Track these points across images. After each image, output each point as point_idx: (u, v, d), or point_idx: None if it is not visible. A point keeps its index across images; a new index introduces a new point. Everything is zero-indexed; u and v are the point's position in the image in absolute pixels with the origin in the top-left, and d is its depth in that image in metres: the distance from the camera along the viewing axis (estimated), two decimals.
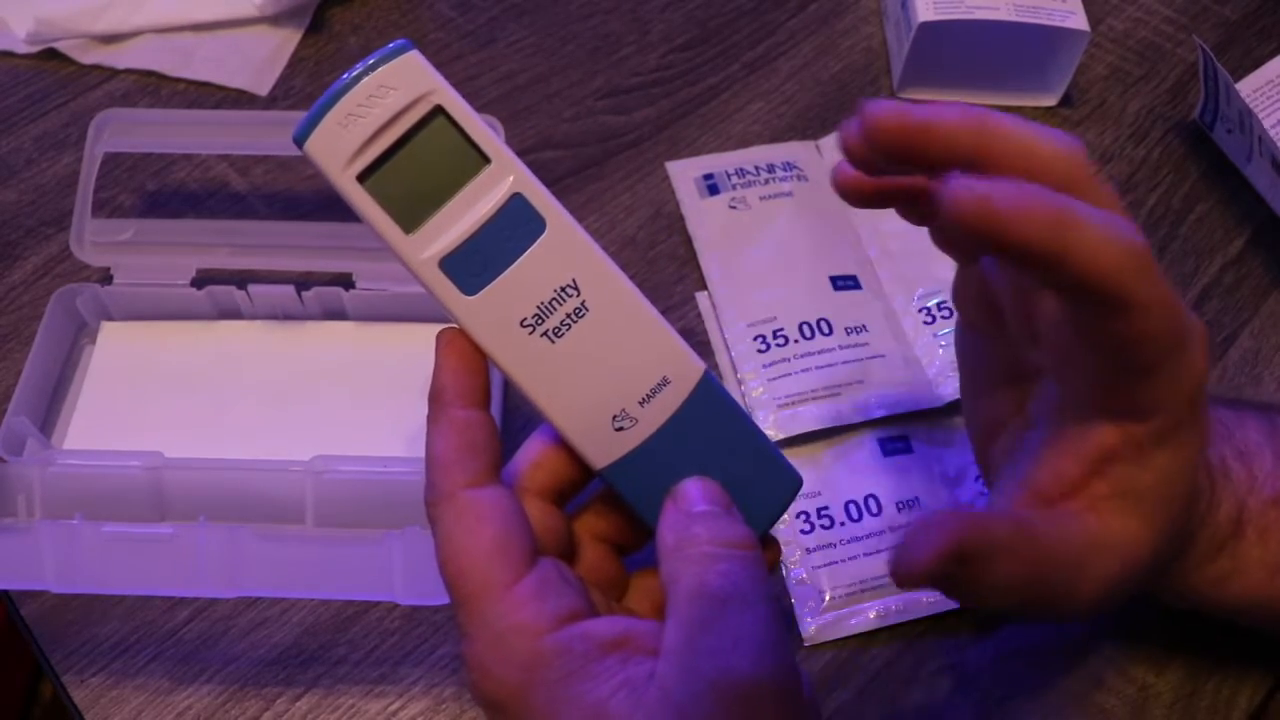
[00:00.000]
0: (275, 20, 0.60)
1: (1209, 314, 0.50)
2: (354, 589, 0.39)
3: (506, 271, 0.29)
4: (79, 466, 0.41)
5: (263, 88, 0.57)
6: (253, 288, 0.47)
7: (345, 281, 0.47)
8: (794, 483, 0.32)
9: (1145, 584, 0.32)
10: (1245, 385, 0.48)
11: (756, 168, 0.53)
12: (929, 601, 0.41)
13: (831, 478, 0.44)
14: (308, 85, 0.58)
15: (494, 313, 0.29)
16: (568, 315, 0.29)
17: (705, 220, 0.51)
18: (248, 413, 0.46)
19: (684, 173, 0.54)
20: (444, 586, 0.29)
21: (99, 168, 0.47)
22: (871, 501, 0.43)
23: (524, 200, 0.29)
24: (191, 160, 0.54)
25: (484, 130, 0.29)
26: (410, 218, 0.29)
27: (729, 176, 0.53)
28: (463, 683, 0.40)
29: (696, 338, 0.48)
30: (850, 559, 0.42)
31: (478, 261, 0.29)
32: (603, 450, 0.30)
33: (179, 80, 0.58)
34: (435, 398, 0.30)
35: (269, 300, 0.47)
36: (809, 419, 0.44)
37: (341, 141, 0.28)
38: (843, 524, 0.43)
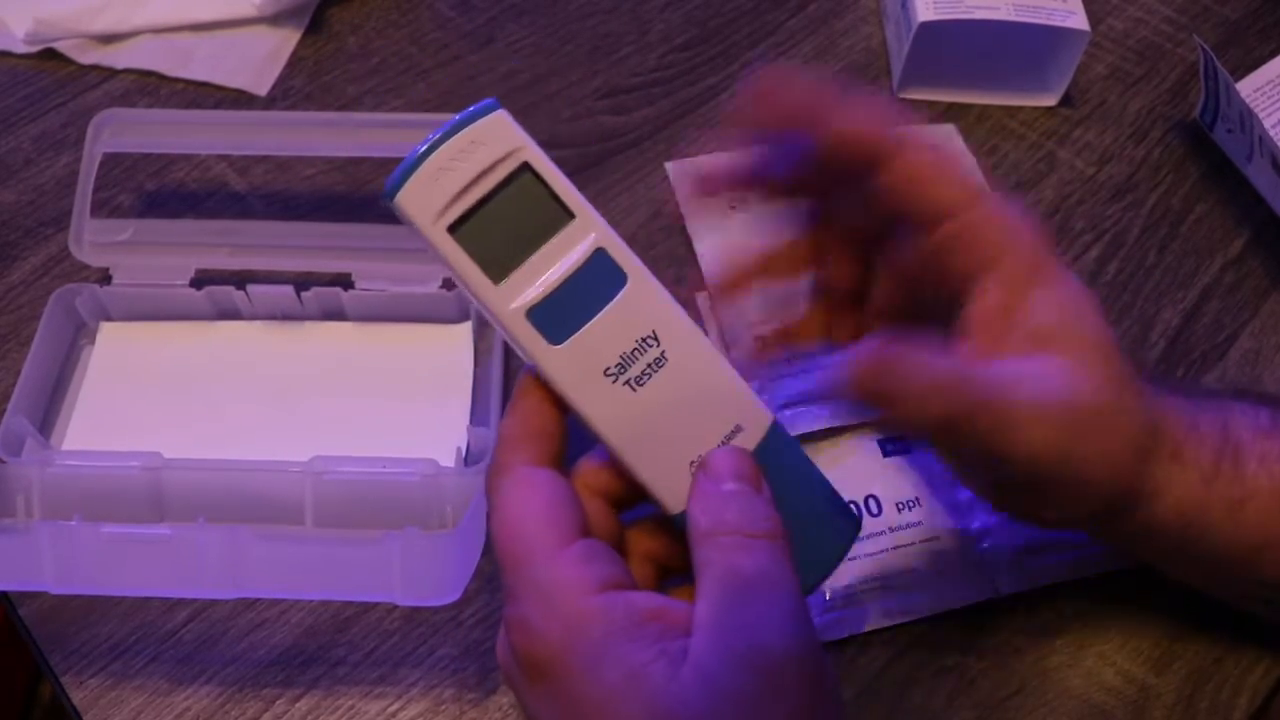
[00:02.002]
0: (274, 20, 0.60)
1: (1209, 314, 0.50)
2: (353, 590, 0.39)
3: (591, 322, 0.30)
4: (78, 467, 0.41)
5: (262, 88, 0.57)
6: (252, 288, 0.47)
7: (344, 282, 0.47)
8: (854, 525, 0.34)
9: (1109, 469, 0.33)
10: (1245, 385, 0.48)
11: None
12: (929, 602, 0.41)
13: (831, 478, 0.44)
14: (307, 85, 0.58)
15: (579, 361, 0.30)
16: (649, 365, 0.31)
17: (705, 220, 0.51)
18: (247, 413, 0.45)
19: (683, 173, 0.54)
20: (497, 556, 0.30)
21: (98, 168, 0.47)
22: (871, 502, 0.43)
23: (606, 255, 0.30)
24: (190, 160, 0.54)
25: (568, 186, 0.30)
26: (498, 269, 0.30)
27: None
28: (462, 684, 0.40)
29: None
30: (850, 559, 0.42)
31: (563, 312, 0.30)
32: (681, 495, 0.31)
33: (178, 80, 0.58)
34: (516, 392, 0.31)
35: (268, 300, 0.47)
36: (809, 420, 0.44)
37: (432, 195, 0.29)
38: None
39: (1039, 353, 0.32)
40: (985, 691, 0.40)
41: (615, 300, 0.30)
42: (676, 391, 0.31)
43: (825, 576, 0.33)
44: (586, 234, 0.30)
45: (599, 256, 0.30)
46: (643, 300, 0.31)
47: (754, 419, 0.32)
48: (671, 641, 0.28)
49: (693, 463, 0.31)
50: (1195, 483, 0.34)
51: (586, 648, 0.27)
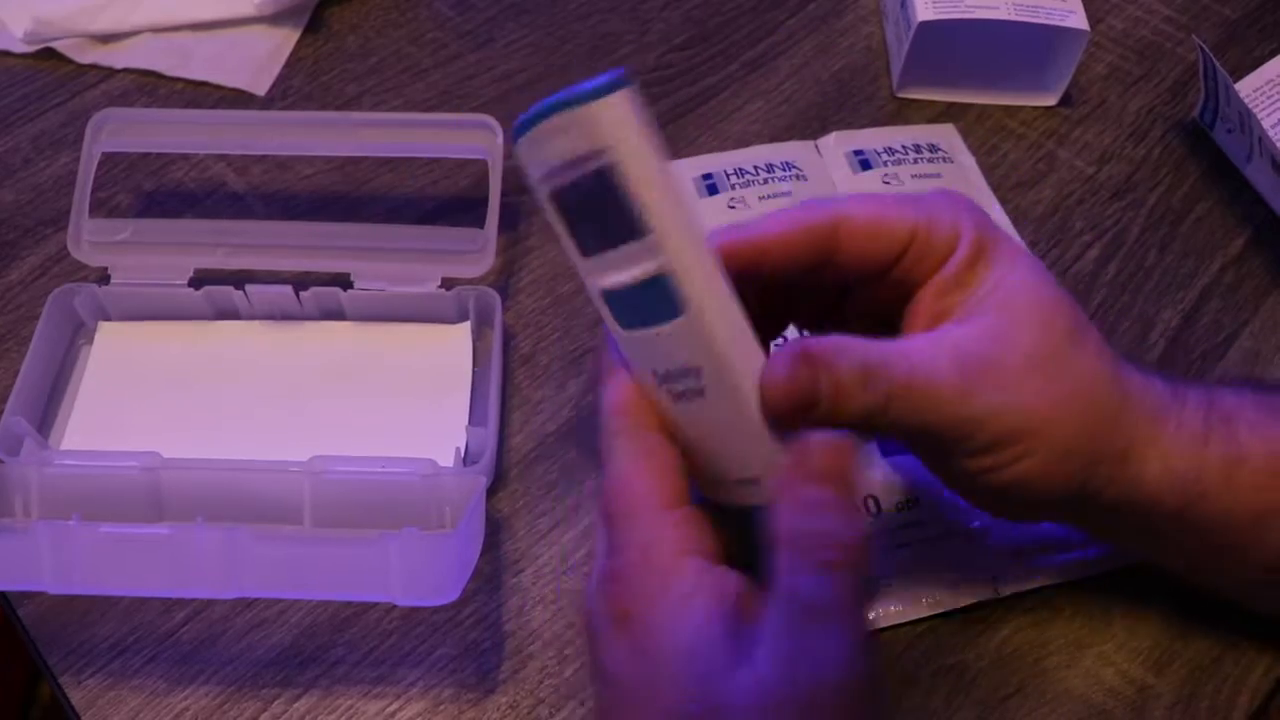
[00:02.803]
0: (273, 20, 0.60)
1: (1209, 314, 0.50)
2: (352, 590, 0.39)
3: (649, 329, 0.31)
4: (76, 467, 0.41)
5: (261, 87, 0.57)
6: (250, 288, 0.47)
7: (343, 282, 0.47)
8: None
9: (1074, 412, 0.32)
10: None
11: (756, 167, 0.53)
12: (928, 602, 0.41)
13: None
14: (306, 85, 0.58)
15: (639, 352, 0.32)
16: (688, 390, 0.31)
17: (705, 220, 0.51)
18: (245, 413, 0.45)
19: (683, 172, 0.53)
20: (603, 511, 0.31)
21: (97, 167, 0.47)
22: (871, 503, 0.43)
23: (666, 282, 0.29)
24: (189, 160, 0.54)
25: (655, 199, 0.28)
26: (586, 245, 0.30)
27: (728, 176, 0.52)
28: (461, 684, 0.40)
29: None
30: None
31: (629, 309, 0.31)
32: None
33: (177, 80, 0.58)
34: (605, 368, 0.33)
35: (267, 300, 0.47)
36: None
37: (543, 154, 0.29)
38: None
39: (967, 322, 0.33)
40: (985, 691, 0.40)
41: (670, 323, 0.30)
42: (709, 424, 0.31)
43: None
44: (654, 255, 0.29)
45: (659, 281, 0.29)
46: (696, 335, 0.30)
47: (774, 475, 0.31)
48: (743, 625, 0.28)
49: (725, 483, 0.32)
50: (1186, 442, 0.33)
51: (670, 602, 0.29)
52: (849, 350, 0.31)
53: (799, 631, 0.28)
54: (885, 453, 0.44)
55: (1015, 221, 0.52)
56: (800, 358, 0.30)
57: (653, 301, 0.30)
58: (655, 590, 0.29)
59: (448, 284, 0.47)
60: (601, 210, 0.29)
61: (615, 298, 0.30)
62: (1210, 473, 0.33)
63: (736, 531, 0.31)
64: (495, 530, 0.43)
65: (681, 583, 0.29)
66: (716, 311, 0.30)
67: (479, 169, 0.50)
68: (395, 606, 0.41)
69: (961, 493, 0.37)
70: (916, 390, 0.31)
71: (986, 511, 0.39)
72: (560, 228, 0.31)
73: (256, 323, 0.48)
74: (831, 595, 0.28)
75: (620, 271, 0.30)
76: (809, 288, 0.35)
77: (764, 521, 0.29)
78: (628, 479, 0.31)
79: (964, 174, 0.54)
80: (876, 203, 0.34)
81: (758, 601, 0.29)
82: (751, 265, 0.33)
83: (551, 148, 0.29)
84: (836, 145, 0.54)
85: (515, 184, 0.50)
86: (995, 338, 0.32)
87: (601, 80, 0.28)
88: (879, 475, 0.44)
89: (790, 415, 0.30)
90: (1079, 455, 0.33)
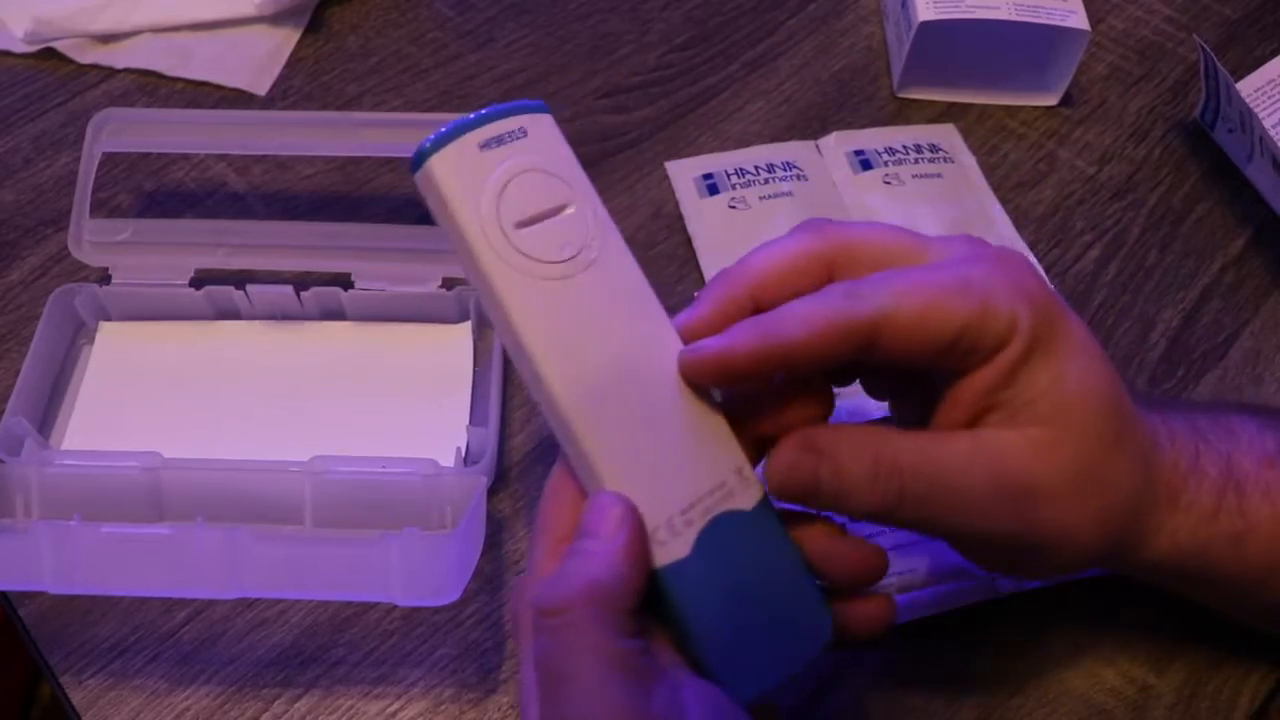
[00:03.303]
0: (274, 20, 0.60)
1: (1209, 314, 0.50)
2: (352, 590, 0.39)
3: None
4: (77, 467, 0.41)
5: (261, 87, 0.57)
6: (251, 288, 0.47)
7: (344, 282, 0.47)
8: (822, 633, 0.31)
9: (1107, 525, 0.32)
10: (1245, 385, 0.48)
11: (756, 167, 0.53)
12: (929, 602, 0.41)
13: None
14: (306, 85, 0.58)
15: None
16: None
17: (705, 220, 0.51)
18: (246, 413, 0.45)
19: (683, 172, 0.53)
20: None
21: (97, 167, 0.46)
22: None
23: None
24: (190, 160, 0.54)
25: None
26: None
27: (729, 176, 0.52)
28: (462, 684, 0.40)
29: None
30: None
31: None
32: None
33: (177, 80, 0.58)
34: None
35: (267, 300, 0.47)
36: None
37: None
38: (842, 525, 0.42)
39: (1013, 428, 0.30)
40: (985, 691, 0.40)
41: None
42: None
43: (774, 685, 0.30)
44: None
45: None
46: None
47: (743, 488, 0.30)
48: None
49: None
50: (1195, 524, 0.33)
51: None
52: (854, 437, 0.30)
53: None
54: None
55: (1015, 221, 0.52)
56: (803, 443, 0.30)
57: None
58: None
59: (448, 284, 0.47)
60: None
61: None
62: (1217, 546, 0.34)
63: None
64: (496, 530, 0.43)
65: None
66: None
67: None
68: (396, 607, 0.41)
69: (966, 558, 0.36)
70: (936, 496, 0.30)
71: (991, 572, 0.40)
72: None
73: (257, 323, 0.48)
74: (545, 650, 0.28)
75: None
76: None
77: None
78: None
79: (964, 174, 0.54)
80: (926, 292, 0.29)
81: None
82: (775, 369, 0.29)
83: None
84: (837, 145, 0.54)
85: None
86: (1040, 454, 0.30)
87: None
88: None
89: (790, 498, 0.30)
90: (1100, 554, 0.33)
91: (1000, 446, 0.30)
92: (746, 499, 0.30)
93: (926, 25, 0.54)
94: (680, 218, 0.52)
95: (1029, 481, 0.30)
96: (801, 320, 0.29)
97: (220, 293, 0.47)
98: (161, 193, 0.54)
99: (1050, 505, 0.30)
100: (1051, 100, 0.57)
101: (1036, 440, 0.30)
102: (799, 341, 0.29)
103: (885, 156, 0.53)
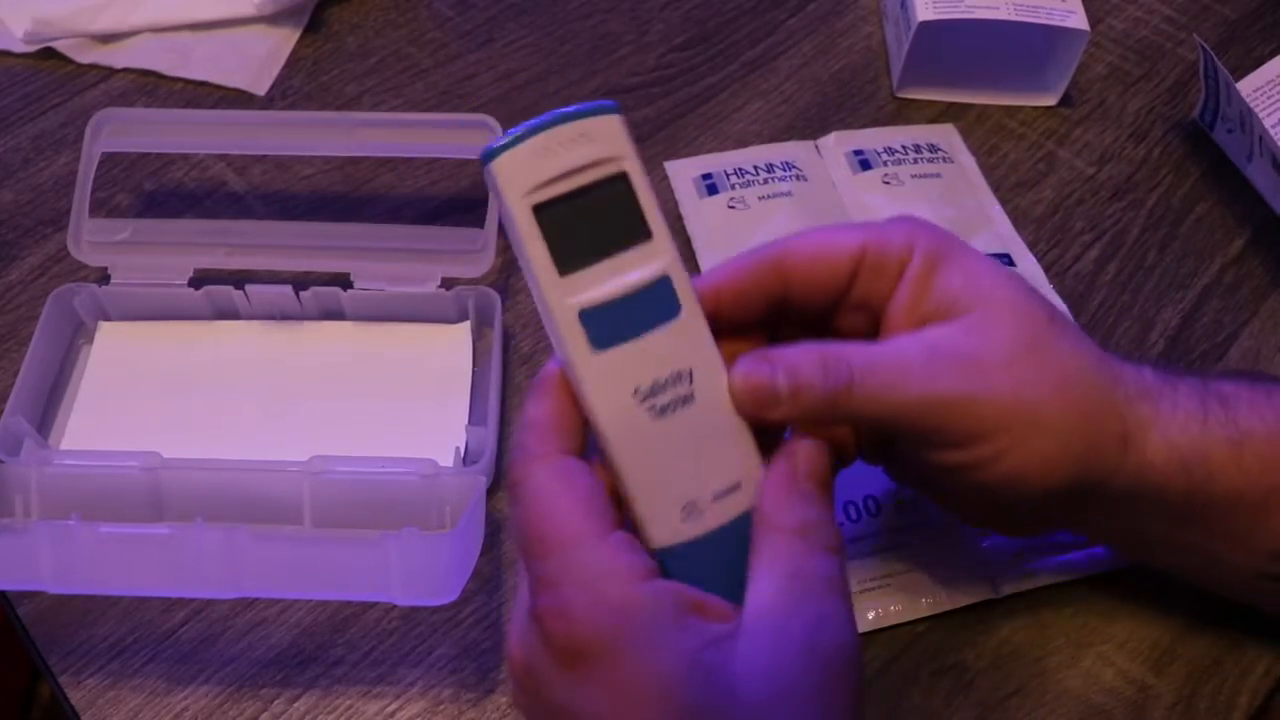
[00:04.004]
0: (273, 19, 0.60)
1: (1209, 314, 0.50)
2: (352, 589, 0.39)
3: (636, 339, 0.30)
4: (76, 467, 0.41)
5: (260, 87, 0.57)
6: (250, 288, 0.47)
7: (343, 281, 0.47)
8: None
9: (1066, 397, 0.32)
10: None
11: (755, 167, 0.53)
12: (928, 602, 0.41)
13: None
14: (306, 84, 0.58)
15: (614, 373, 0.30)
16: (676, 399, 0.31)
17: (704, 220, 0.51)
18: (245, 413, 0.45)
19: (683, 172, 0.53)
20: (524, 544, 0.30)
21: (96, 167, 0.47)
22: (870, 502, 0.43)
23: (670, 284, 0.31)
24: (189, 160, 0.54)
25: (655, 207, 0.31)
26: (568, 262, 0.30)
27: (728, 176, 0.52)
28: (460, 684, 0.40)
29: None
30: (850, 559, 0.42)
31: (614, 323, 0.30)
32: (664, 532, 0.31)
33: (177, 80, 0.58)
34: (537, 384, 0.31)
35: (267, 300, 0.47)
36: None
37: (529, 172, 0.29)
38: (841, 525, 0.42)
39: (946, 324, 0.32)
40: (985, 691, 0.40)
41: (664, 327, 0.30)
42: (693, 433, 0.31)
43: None
44: (659, 257, 0.30)
45: (663, 283, 0.30)
46: (689, 337, 0.31)
47: (753, 480, 0.32)
48: (718, 629, 0.28)
49: (684, 506, 0.31)
50: (1184, 421, 0.33)
51: (641, 634, 0.28)
52: (805, 346, 0.31)
53: (796, 604, 0.28)
54: None
55: (1015, 221, 0.52)
56: (757, 356, 0.31)
57: (653, 304, 0.30)
58: (615, 625, 0.28)
59: (448, 284, 0.47)
60: (609, 217, 0.30)
61: (599, 314, 0.30)
62: (1217, 452, 0.33)
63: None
64: (495, 530, 0.43)
65: (643, 614, 0.28)
66: (701, 311, 0.31)
67: (479, 169, 0.50)
68: (395, 606, 0.41)
69: (959, 508, 0.37)
70: (881, 372, 0.31)
71: (988, 526, 0.39)
72: (536, 247, 0.30)
73: (256, 323, 0.48)
74: (839, 573, 0.30)
75: (616, 280, 0.30)
76: (789, 332, 0.35)
77: (746, 526, 0.31)
78: (556, 508, 0.29)
79: (964, 174, 0.54)
80: (821, 230, 0.34)
81: (714, 600, 0.29)
82: (708, 316, 0.32)
83: (556, 159, 0.29)
84: (836, 145, 0.54)
85: None
86: (971, 332, 0.32)
87: (601, 103, 0.30)
88: (879, 475, 0.44)
89: (755, 411, 0.31)
90: (1074, 443, 0.32)
91: (938, 335, 0.32)
92: (756, 492, 0.32)
93: (926, 25, 0.54)
94: (680, 218, 0.52)
95: (971, 354, 0.32)
96: (721, 269, 0.33)
97: (219, 293, 0.47)
98: (161, 193, 0.54)
99: (1000, 371, 0.31)
100: (1051, 100, 0.57)
101: (969, 323, 0.32)
102: (720, 285, 0.33)
103: (884, 156, 0.53)
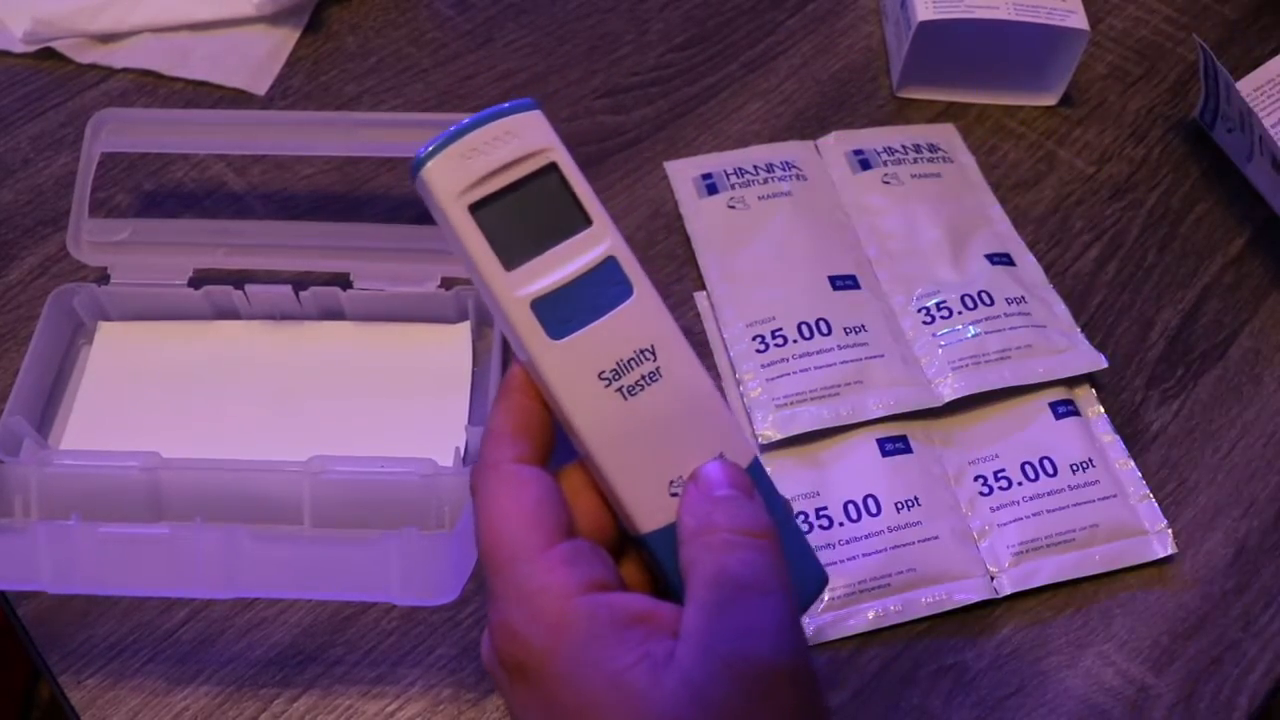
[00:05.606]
0: (273, 19, 0.60)
1: (1209, 314, 0.50)
2: (351, 590, 0.39)
3: (593, 324, 0.30)
4: (75, 467, 0.41)
5: (260, 87, 0.57)
6: (250, 288, 0.47)
7: (343, 281, 0.47)
8: (820, 581, 0.33)
9: None
10: (1245, 385, 0.48)
11: (755, 167, 0.53)
12: (928, 602, 0.41)
13: (830, 478, 0.44)
14: (305, 84, 0.58)
15: (575, 360, 0.30)
16: (643, 377, 0.30)
17: (704, 220, 0.51)
18: (245, 413, 0.45)
19: (682, 172, 0.54)
20: (480, 557, 0.29)
21: (96, 167, 0.46)
22: (870, 502, 0.43)
23: (617, 264, 0.31)
24: (189, 160, 0.54)
25: (589, 193, 0.31)
26: (511, 256, 0.30)
27: (727, 176, 0.52)
28: (460, 683, 0.40)
29: (695, 338, 0.48)
30: (849, 559, 0.42)
31: (567, 310, 0.30)
32: (649, 515, 0.31)
33: (176, 80, 0.58)
34: (500, 389, 0.31)
35: (266, 300, 0.47)
36: (807, 419, 0.44)
37: (459, 174, 0.29)
38: (841, 524, 0.42)
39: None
40: (985, 691, 0.40)
41: (620, 308, 0.30)
42: (665, 409, 0.31)
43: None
44: (601, 241, 0.30)
45: (610, 264, 0.30)
46: (646, 313, 0.31)
47: (736, 450, 0.31)
48: (658, 644, 0.27)
49: (671, 482, 0.31)
50: None
51: (569, 652, 0.27)
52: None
53: (716, 614, 0.27)
54: (886, 453, 0.44)
55: (1014, 221, 0.52)
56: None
57: (606, 285, 0.30)
58: (547, 643, 0.27)
59: (447, 284, 0.47)
60: (544, 207, 0.30)
61: (551, 302, 0.30)
62: None
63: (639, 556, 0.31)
64: None
65: (574, 632, 0.27)
66: (654, 289, 0.31)
67: None
68: (394, 606, 0.41)
69: None
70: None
71: None
72: (477, 246, 0.30)
73: (256, 323, 0.48)
74: (741, 567, 0.28)
75: (564, 267, 0.30)
76: None
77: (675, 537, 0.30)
78: (500, 522, 0.29)
79: (964, 174, 0.54)
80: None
81: (666, 610, 0.28)
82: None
83: (484, 158, 0.30)
84: (836, 145, 0.54)
85: None
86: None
87: (519, 101, 0.30)
88: (879, 475, 0.44)
89: None
90: None
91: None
92: (741, 460, 0.31)
93: (926, 25, 0.54)
94: (679, 217, 0.52)
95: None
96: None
97: (219, 292, 0.47)
98: (160, 193, 0.54)
99: None
100: (1051, 100, 0.57)
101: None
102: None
103: (884, 156, 0.53)
